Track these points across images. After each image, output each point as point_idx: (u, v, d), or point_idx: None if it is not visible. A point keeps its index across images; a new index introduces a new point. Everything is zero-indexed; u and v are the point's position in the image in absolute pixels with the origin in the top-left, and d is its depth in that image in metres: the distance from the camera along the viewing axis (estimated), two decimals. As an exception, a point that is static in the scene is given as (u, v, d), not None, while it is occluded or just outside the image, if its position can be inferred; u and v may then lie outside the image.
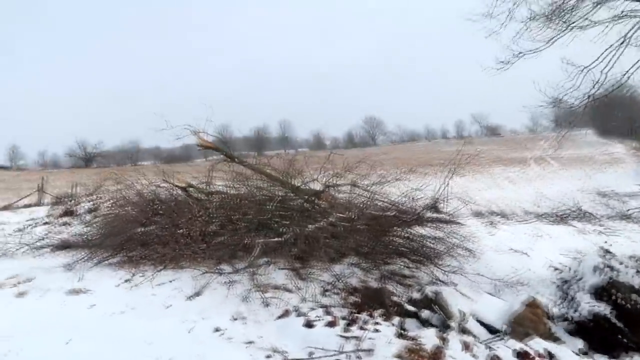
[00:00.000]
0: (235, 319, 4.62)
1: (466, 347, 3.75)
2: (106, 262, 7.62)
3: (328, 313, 4.67)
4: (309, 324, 4.28)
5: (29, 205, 22.39)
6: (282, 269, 6.47)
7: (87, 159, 79.58)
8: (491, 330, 4.47)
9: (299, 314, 4.65)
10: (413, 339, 3.80)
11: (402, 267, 6.69)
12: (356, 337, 3.84)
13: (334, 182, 7.46)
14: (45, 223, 15.32)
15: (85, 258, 7.78)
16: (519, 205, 16.12)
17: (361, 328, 4.12)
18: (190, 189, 9.33)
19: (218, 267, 6.46)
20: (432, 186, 7.60)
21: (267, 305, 5.08)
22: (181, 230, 7.81)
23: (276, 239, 6.95)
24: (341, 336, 3.91)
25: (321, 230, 7.05)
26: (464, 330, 4.37)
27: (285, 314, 4.82)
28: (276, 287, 5.58)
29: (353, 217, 7.30)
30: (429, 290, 4.99)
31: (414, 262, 6.75)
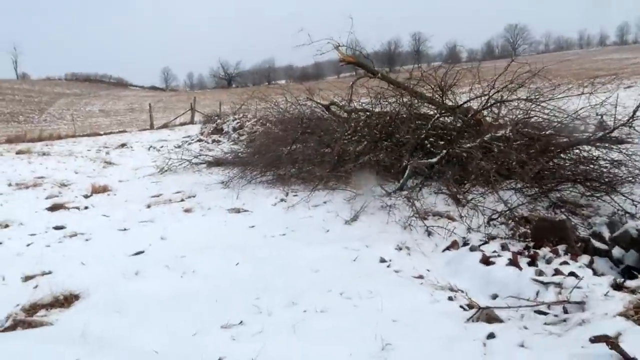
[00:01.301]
0: (400, 249, 4.16)
1: None
2: (258, 179, 7.73)
3: (504, 248, 3.98)
4: (486, 261, 3.66)
5: (184, 124, 24.41)
6: (438, 192, 5.84)
7: (229, 79, 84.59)
8: None
9: (472, 248, 4.02)
10: (634, 291, 3.00)
11: (576, 194, 5.63)
12: (556, 284, 3.14)
13: (501, 97, 6.39)
14: (199, 140, 16.42)
15: (239, 175, 7.99)
16: None
17: (556, 271, 3.40)
18: (333, 106, 8.92)
19: (369, 189, 6.06)
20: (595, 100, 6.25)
21: (429, 234, 4.53)
22: (329, 149, 7.54)
23: (428, 160, 6.31)
24: (535, 280, 3.24)
25: (479, 150, 6.23)
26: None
27: (453, 245, 4.22)
28: (438, 214, 4.98)
29: (512, 135, 6.33)
30: (631, 226, 3.98)
31: (590, 189, 5.64)
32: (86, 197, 7.37)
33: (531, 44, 78.53)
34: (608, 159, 5.89)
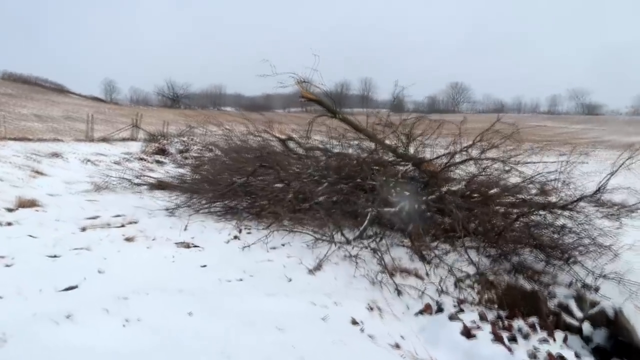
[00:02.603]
0: (371, 309, 3.74)
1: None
2: (206, 210, 7.17)
3: (482, 318, 3.72)
4: (467, 333, 3.38)
5: (125, 139, 23.05)
6: (401, 245, 5.59)
7: (175, 99, 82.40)
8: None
9: (450, 317, 3.72)
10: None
11: (535, 259, 5.60)
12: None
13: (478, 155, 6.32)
14: (140, 159, 15.43)
15: (186, 203, 7.38)
16: None
17: (534, 348, 3.17)
18: (291, 142, 8.60)
19: (327, 234, 5.71)
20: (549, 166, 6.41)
21: (399, 293, 4.17)
22: (284, 185, 7.16)
23: (391, 209, 6.09)
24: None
25: (440, 202, 6.12)
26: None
27: (427, 309, 3.92)
28: (405, 271, 4.68)
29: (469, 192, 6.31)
30: (608, 306, 3.90)
31: (548, 256, 5.63)
32: (10, 210, 6.37)
33: (473, 102, 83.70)
34: (558, 225, 5.95)
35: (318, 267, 4.61)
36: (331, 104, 8.79)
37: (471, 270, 4.85)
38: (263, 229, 6.01)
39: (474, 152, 6.40)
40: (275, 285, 4.08)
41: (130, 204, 7.47)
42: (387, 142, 7.32)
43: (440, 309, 3.90)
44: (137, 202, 7.77)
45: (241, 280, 4.21)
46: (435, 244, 5.73)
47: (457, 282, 4.63)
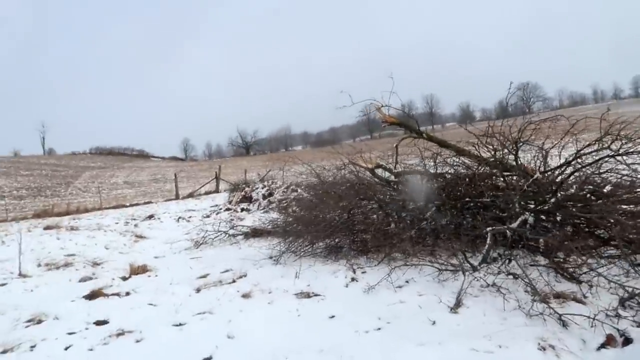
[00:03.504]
0: (544, 349, 3.16)
1: None
2: (309, 252, 6.87)
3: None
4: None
5: (209, 192, 23.88)
6: (534, 265, 4.89)
7: (247, 147, 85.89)
8: None
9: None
10: None
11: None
12: None
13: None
14: (227, 209, 15.72)
15: (288, 248, 7.13)
16: None
17: None
18: (379, 169, 8.18)
19: (449, 263, 5.14)
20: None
21: (564, 324, 3.51)
22: (387, 216, 6.72)
23: (512, 225, 5.42)
24: None
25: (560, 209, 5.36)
26: None
27: (610, 341, 3.25)
28: (561, 296, 4.00)
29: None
30: None
31: None
32: (124, 279, 6.49)
33: (545, 100, 78.68)
34: None
35: (458, 303, 4.05)
36: (414, 125, 8.38)
37: (632, 283, 4.06)
38: (375, 265, 5.59)
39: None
40: (420, 331, 3.59)
41: (233, 257, 7.40)
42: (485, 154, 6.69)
43: (627, 340, 3.19)
44: (238, 254, 7.68)
45: (379, 329, 3.77)
46: (572, 257, 4.95)
47: (624, 302, 3.87)
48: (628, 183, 5.55)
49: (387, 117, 8.33)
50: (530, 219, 5.68)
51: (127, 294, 5.61)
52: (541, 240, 5.30)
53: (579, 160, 5.42)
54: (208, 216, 14.87)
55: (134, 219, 14.60)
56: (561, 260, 4.74)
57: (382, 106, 8.19)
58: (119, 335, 4.20)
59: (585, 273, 4.39)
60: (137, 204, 21.46)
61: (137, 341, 4.01)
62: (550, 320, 3.54)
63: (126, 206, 20.78)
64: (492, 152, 6.48)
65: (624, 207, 5.39)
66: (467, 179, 6.55)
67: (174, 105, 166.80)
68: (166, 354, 3.58)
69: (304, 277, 5.49)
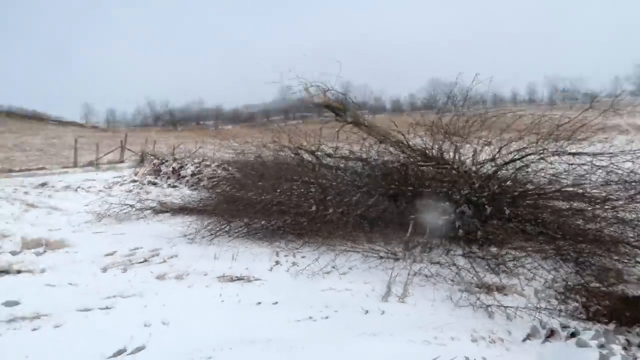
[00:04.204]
0: (475, 340, 3.07)
1: None
2: (225, 233, 6.35)
3: (608, 340, 2.93)
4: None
5: (112, 162, 21.88)
6: (469, 256, 4.80)
7: (155, 118, 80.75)
8: None
9: (579, 343, 2.93)
10: None
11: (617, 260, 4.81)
12: None
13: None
14: (133, 181, 14.39)
15: (203, 227, 6.51)
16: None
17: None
18: (318, 153, 7.72)
19: (387, 251, 4.88)
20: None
21: (490, 315, 3.54)
22: (321, 201, 6.29)
23: (442, 217, 5.29)
24: None
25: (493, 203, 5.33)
26: None
27: (534, 333, 3.22)
28: (500, 289, 3.95)
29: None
30: None
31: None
32: (13, 254, 5.31)
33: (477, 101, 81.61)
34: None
35: (388, 292, 3.97)
36: (341, 107, 7.82)
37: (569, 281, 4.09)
38: (314, 250, 5.18)
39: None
40: (355, 322, 3.41)
41: (146, 233, 6.73)
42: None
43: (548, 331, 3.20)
44: (148, 231, 6.86)
45: (327, 317, 3.53)
46: (504, 251, 4.96)
47: (560, 295, 3.88)
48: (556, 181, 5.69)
49: (314, 98, 7.87)
50: (467, 210, 5.62)
51: (42, 270, 4.59)
52: (479, 232, 5.27)
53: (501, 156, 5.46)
54: (110, 187, 13.48)
55: (23, 186, 12.74)
56: (494, 253, 4.73)
57: (311, 86, 7.68)
58: (33, 319, 3.44)
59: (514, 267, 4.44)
60: (28, 169, 18.99)
61: (56, 327, 3.34)
62: (479, 310, 3.60)
63: (15, 171, 18.27)
64: (424, 144, 6.40)
65: (553, 203, 5.52)
66: (402, 168, 6.31)
67: (77, 66, 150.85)
68: (90, 343, 2.98)
69: (241, 259, 4.97)
